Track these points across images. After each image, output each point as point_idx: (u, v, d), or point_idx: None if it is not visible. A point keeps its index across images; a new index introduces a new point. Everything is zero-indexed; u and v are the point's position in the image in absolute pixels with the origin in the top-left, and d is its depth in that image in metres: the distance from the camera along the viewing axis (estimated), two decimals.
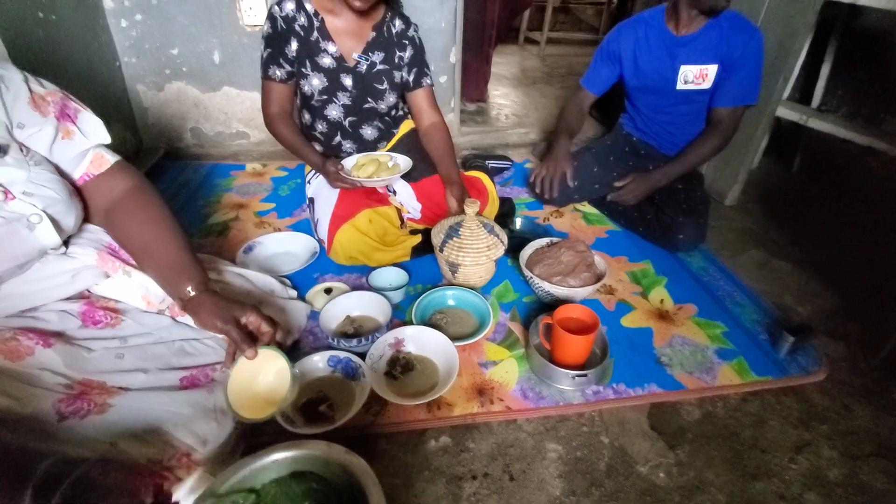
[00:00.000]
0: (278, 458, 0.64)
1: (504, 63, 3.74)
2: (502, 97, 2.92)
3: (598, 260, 1.25)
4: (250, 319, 0.79)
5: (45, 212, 0.71)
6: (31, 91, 0.73)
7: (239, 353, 0.76)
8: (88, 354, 0.71)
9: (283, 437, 0.80)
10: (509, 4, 2.60)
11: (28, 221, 0.70)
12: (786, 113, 1.84)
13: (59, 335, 0.72)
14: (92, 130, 0.80)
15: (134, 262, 0.83)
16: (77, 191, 0.80)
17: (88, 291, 0.80)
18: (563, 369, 0.98)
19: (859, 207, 1.84)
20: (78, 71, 1.57)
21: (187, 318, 0.85)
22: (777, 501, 0.83)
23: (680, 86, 1.47)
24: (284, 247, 1.42)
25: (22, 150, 0.71)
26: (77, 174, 0.80)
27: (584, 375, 0.98)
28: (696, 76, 1.44)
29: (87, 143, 0.79)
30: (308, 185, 1.49)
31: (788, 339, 1.09)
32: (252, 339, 0.78)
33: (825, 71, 1.98)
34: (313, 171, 1.46)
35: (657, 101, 1.55)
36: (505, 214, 1.58)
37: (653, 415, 0.97)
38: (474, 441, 0.91)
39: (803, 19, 1.50)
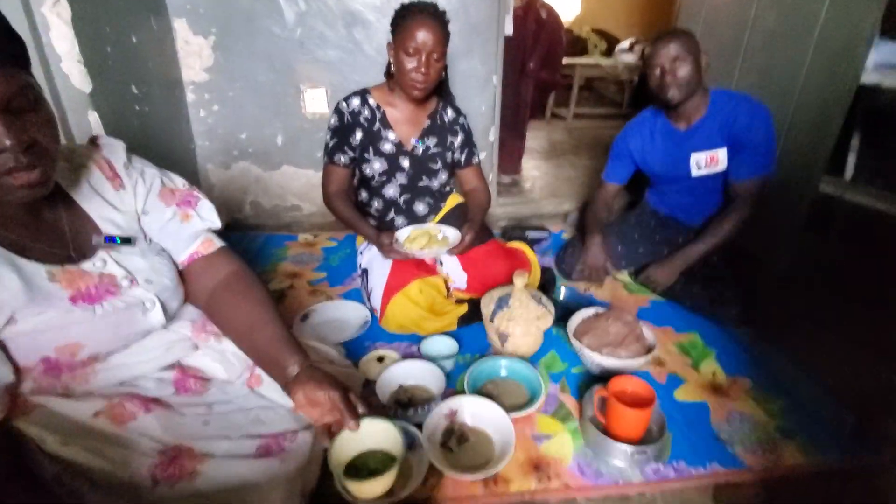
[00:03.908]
0: None
1: (533, 137, 3.94)
2: (534, 169, 3.07)
3: (646, 331, 1.27)
4: (352, 396, 0.83)
5: (157, 297, 0.80)
6: (163, 184, 0.86)
7: (345, 425, 0.79)
8: (181, 419, 0.77)
9: None
10: (541, 86, 2.80)
11: (144, 307, 0.79)
12: (823, 187, 1.89)
13: (157, 401, 0.78)
14: (207, 216, 0.91)
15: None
16: (179, 274, 0.90)
17: (179, 362, 0.87)
18: (621, 445, 0.97)
19: None
20: (160, 152, 1.76)
21: (263, 389, 0.90)
22: None
23: (695, 172, 1.52)
24: (337, 314, 1.49)
25: (146, 239, 0.81)
26: (186, 253, 0.89)
27: (644, 452, 0.97)
28: (707, 161, 1.49)
29: (202, 226, 0.90)
30: (360, 255, 1.59)
31: (849, 417, 1.06)
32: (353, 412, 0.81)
33: (855, 143, 2.04)
34: (366, 243, 1.56)
35: (675, 184, 1.62)
36: (546, 284, 1.63)
37: (717, 495, 0.95)
38: None
39: (839, 103, 1.57)
